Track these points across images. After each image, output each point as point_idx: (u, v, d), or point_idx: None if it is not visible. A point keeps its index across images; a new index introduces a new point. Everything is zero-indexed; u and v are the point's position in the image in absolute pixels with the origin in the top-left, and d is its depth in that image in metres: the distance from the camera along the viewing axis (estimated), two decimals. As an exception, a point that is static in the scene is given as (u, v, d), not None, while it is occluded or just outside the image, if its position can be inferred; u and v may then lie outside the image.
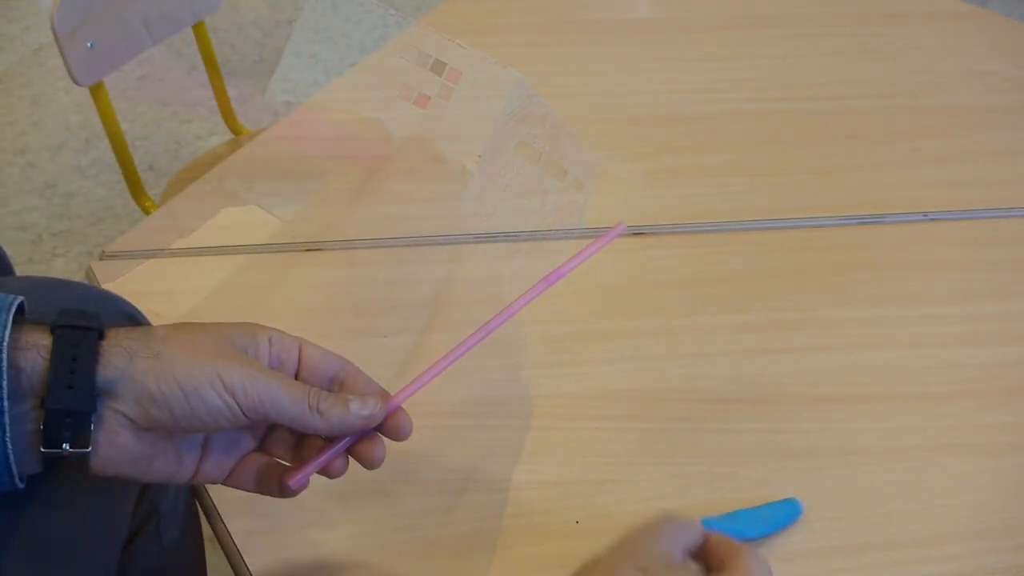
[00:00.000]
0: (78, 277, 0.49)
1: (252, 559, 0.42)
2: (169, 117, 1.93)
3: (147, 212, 1.07)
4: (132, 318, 0.46)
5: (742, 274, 0.60)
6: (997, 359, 0.55)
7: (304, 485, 0.37)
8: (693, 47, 0.89)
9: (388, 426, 0.38)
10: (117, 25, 0.97)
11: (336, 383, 0.39)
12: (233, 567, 0.43)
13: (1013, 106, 0.81)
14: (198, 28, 1.13)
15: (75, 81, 0.92)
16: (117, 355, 0.33)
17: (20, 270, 0.54)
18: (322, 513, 0.45)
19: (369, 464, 0.38)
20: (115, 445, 0.33)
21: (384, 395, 0.39)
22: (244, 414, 0.34)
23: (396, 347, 0.54)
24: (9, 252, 0.54)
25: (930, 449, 0.49)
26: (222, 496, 0.45)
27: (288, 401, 0.35)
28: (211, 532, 0.46)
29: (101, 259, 0.58)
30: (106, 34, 0.95)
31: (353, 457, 0.38)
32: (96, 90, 0.97)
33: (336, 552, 0.43)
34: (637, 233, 0.64)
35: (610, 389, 0.52)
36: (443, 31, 0.91)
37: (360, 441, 0.38)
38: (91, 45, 0.93)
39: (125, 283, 0.56)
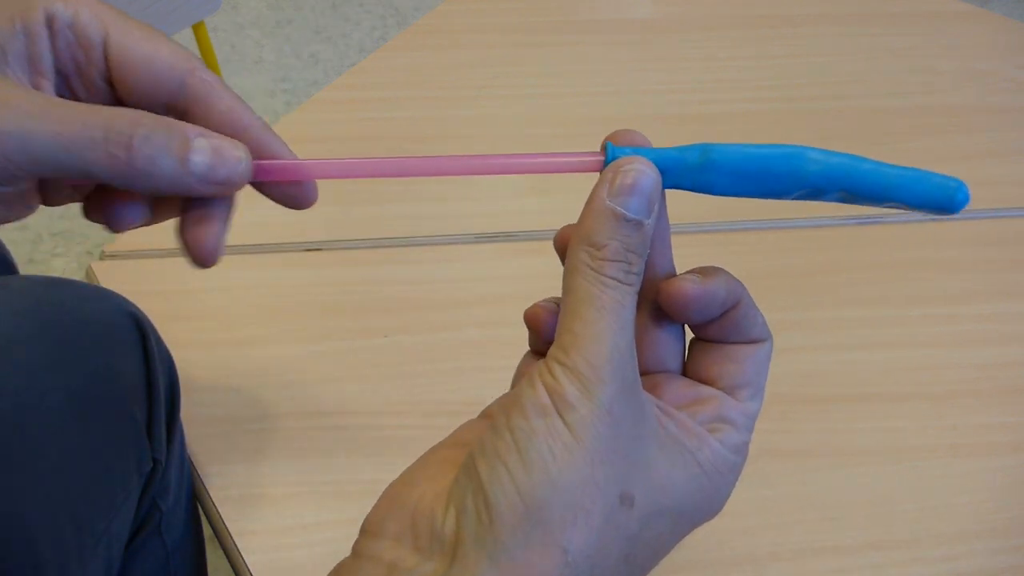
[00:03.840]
0: (78, 277, 0.49)
1: (252, 559, 0.42)
2: (169, 117, 1.93)
3: (147, 212, 1.07)
4: (133, 317, 0.46)
5: (742, 274, 0.60)
6: (997, 359, 0.55)
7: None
8: (693, 47, 0.89)
9: (279, 191, 0.27)
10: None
11: (177, 109, 0.26)
12: (233, 567, 0.43)
13: (1013, 106, 0.81)
14: (198, 28, 1.13)
15: (75, 81, 0.92)
16: None
17: (20, 270, 0.54)
18: (323, 513, 0.45)
19: (292, 204, 0.27)
20: None
21: (260, 141, 0.26)
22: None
23: (396, 347, 0.54)
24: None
25: (930, 449, 0.49)
26: (222, 496, 0.45)
27: (62, 152, 0.22)
28: (211, 532, 0.46)
29: (101, 259, 0.58)
30: (106, 34, 0.95)
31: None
32: (96, 90, 0.97)
33: (336, 552, 0.43)
34: (637, 233, 0.64)
35: (610, 389, 0.52)
36: (443, 31, 0.91)
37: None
38: (91, 45, 0.93)
39: (125, 283, 0.56)
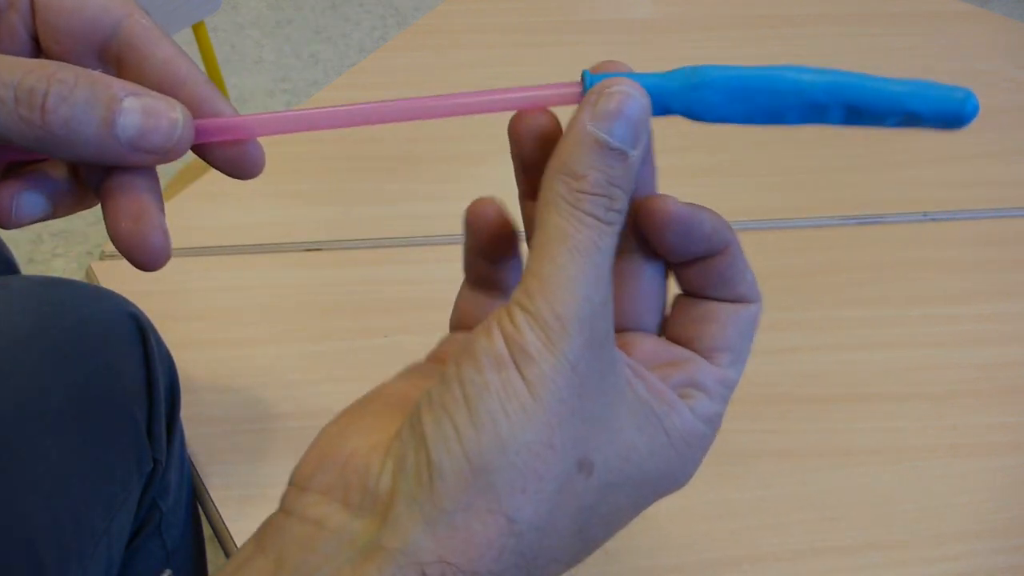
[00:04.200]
0: (78, 277, 0.49)
1: (252, 559, 0.42)
2: (169, 117, 1.93)
3: (147, 212, 1.07)
4: (134, 317, 0.46)
5: (742, 274, 0.61)
6: (997, 359, 0.55)
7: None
8: (693, 47, 0.89)
9: (221, 155, 0.24)
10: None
11: (109, 59, 0.23)
12: (233, 567, 0.43)
13: (1013, 106, 0.81)
14: (198, 28, 1.13)
15: (75, 81, 0.92)
16: None
17: (20, 270, 0.54)
18: (322, 513, 0.45)
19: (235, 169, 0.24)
20: None
21: (204, 102, 0.22)
22: None
23: (396, 347, 0.54)
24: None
25: (930, 449, 0.49)
26: (222, 496, 0.45)
27: None
28: (211, 532, 0.46)
29: (101, 259, 0.58)
30: (106, 34, 0.95)
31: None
32: (96, 90, 0.97)
33: (336, 552, 0.43)
34: (637, 233, 0.64)
35: (610, 389, 0.52)
36: (443, 31, 0.91)
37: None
38: (91, 45, 0.93)
39: (125, 283, 0.56)
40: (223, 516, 0.44)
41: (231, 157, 0.24)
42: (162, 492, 0.49)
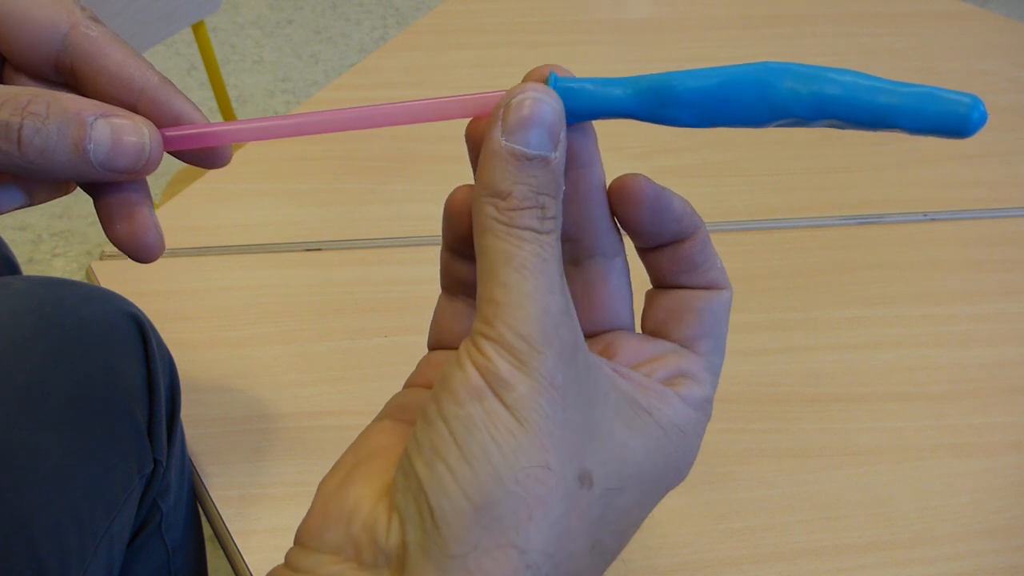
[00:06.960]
0: (78, 277, 0.49)
1: (252, 559, 0.42)
2: (169, 117, 1.93)
3: (147, 212, 1.07)
4: (134, 317, 0.46)
5: (742, 274, 0.61)
6: (997, 359, 0.55)
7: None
8: (693, 47, 0.89)
9: (189, 154, 0.24)
10: (117, 25, 0.97)
11: (64, 69, 0.23)
12: (233, 567, 0.43)
13: (1013, 106, 0.81)
14: (198, 28, 1.13)
15: (75, 81, 0.92)
16: None
17: (21, 270, 0.54)
18: (322, 513, 0.45)
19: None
20: None
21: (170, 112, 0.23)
22: None
23: (396, 347, 0.54)
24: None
25: (930, 449, 0.49)
26: (222, 496, 0.45)
27: None
28: (211, 532, 0.46)
29: (101, 259, 0.58)
30: (106, 34, 0.95)
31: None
32: (96, 90, 0.97)
33: (336, 552, 0.43)
34: (637, 233, 0.64)
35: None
36: (443, 31, 0.91)
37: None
38: (91, 45, 0.93)
39: (125, 283, 0.56)
40: (223, 516, 0.44)
41: (199, 154, 0.25)
42: (162, 492, 0.49)
